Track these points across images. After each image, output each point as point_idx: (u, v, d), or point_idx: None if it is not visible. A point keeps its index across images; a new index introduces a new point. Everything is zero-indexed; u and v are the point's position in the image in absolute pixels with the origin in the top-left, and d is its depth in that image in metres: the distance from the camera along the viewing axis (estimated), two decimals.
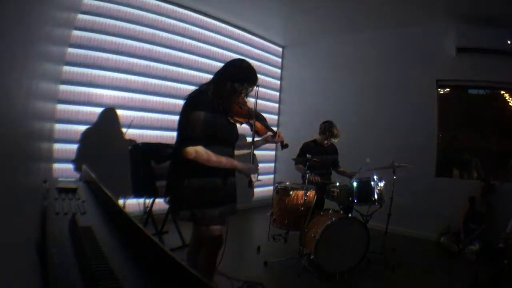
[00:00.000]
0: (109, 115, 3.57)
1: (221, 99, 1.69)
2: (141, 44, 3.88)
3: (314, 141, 3.47)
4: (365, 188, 2.88)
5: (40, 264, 0.80)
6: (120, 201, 3.35)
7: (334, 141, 3.40)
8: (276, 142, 2.02)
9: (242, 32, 5.14)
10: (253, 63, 1.83)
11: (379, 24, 4.47)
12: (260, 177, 1.97)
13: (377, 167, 3.04)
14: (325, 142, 3.38)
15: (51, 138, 2.81)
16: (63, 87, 3.23)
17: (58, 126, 3.21)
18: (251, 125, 1.85)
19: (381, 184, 2.93)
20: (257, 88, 1.79)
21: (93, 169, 1.77)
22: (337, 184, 3.00)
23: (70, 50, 3.29)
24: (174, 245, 2.98)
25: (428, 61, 4.26)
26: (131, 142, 3.63)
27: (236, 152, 1.88)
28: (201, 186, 1.66)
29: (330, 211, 2.89)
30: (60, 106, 3.21)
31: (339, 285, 2.58)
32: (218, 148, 1.68)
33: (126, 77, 3.77)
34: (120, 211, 1.03)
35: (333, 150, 3.51)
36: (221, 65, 1.83)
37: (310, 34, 5.21)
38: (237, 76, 1.72)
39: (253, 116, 1.83)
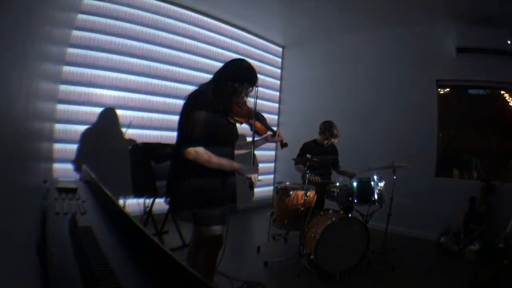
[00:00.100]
0: (109, 115, 3.57)
1: (221, 99, 1.69)
2: (141, 44, 3.88)
3: (314, 141, 3.47)
4: (365, 188, 2.88)
5: (40, 264, 0.80)
6: (120, 201, 3.35)
7: (334, 141, 3.40)
8: (275, 142, 2.03)
9: (242, 32, 5.14)
10: (253, 63, 1.83)
11: (379, 24, 4.47)
12: (260, 177, 1.96)
13: (377, 167, 3.04)
14: (325, 142, 3.39)
15: (51, 138, 2.81)
16: (63, 87, 3.23)
17: (58, 126, 3.20)
18: (251, 125, 1.85)
19: (381, 184, 2.93)
20: (256, 88, 1.79)
21: (93, 169, 1.77)
22: (337, 184, 3.00)
23: (70, 50, 3.29)
24: (174, 245, 2.98)
25: (428, 61, 4.26)
26: (131, 142, 3.63)
27: (236, 152, 1.88)
28: (201, 186, 1.66)
29: (330, 211, 2.89)
30: (60, 106, 3.21)
31: (339, 285, 2.58)
32: (218, 148, 1.68)
33: (126, 77, 3.76)
34: (120, 211, 1.03)
35: (333, 150, 3.51)
36: (221, 65, 1.83)
37: (310, 34, 5.21)
38: (237, 76, 1.72)
39: (253, 116, 1.83)
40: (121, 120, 3.67)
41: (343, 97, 4.94)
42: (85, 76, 3.43)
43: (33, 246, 0.84)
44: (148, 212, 3.08)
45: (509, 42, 3.69)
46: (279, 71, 5.91)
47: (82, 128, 3.39)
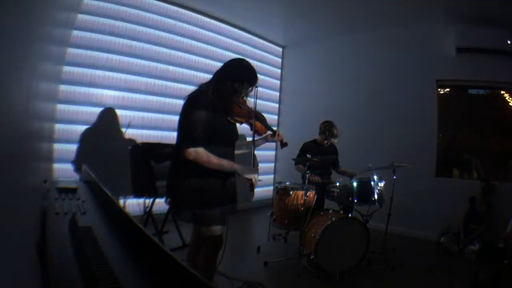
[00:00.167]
0: (109, 115, 3.57)
1: (221, 99, 1.69)
2: (141, 44, 3.88)
3: (314, 141, 3.47)
4: (365, 188, 2.88)
5: (40, 264, 0.80)
6: (120, 201, 3.35)
7: (334, 141, 3.40)
8: (275, 141, 2.03)
9: (242, 32, 5.14)
10: (253, 63, 1.82)
11: (379, 24, 4.47)
12: (260, 177, 1.96)
13: (377, 167, 3.04)
14: (325, 142, 3.39)
15: (51, 138, 2.81)
16: (63, 87, 3.23)
17: (58, 126, 3.20)
18: (251, 125, 1.85)
19: (381, 184, 2.93)
20: (256, 88, 1.79)
21: (93, 169, 1.77)
22: (337, 184, 3.00)
23: (70, 50, 3.29)
24: (174, 245, 2.98)
25: (428, 61, 4.26)
26: (131, 142, 3.63)
27: (236, 152, 1.88)
28: (202, 187, 1.65)
29: (330, 211, 2.89)
30: (60, 106, 3.21)
31: (339, 285, 2.58)
32: (218, 148, 1.68)
33: (126, 77, 3.77)
34: (120, 211, 1.03)
35: (333, 150, 3.51)
36: (221, 65, 1.82)
37: (310, 34, 5.21)
38: (237, 75, 1.72)
39: (253, 115, 1.83)
40: (121, 120, 3.67)
41: (343, 97, 4.94)
42: (85, 76, 3.43)
43: (33, 246, 0.84)
44: (148, 212, 3.09)
45: (509, 42, 3.69)
46: (279, 71, 5.91)
47: (82, 128, 3.39)
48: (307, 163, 2.91)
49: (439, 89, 4.33)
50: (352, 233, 2.72)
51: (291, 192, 2.91)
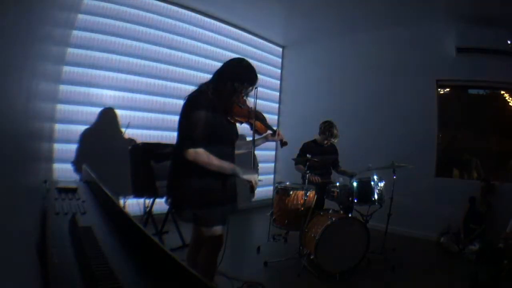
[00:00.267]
0: (109, 115, 3.57)
1: (221, 99, 1.69)
2: (141, 44, 3.88)
3: (314, 141, 3.47)
4: (365, 188, 2.88)
5: (40, 264, 0.80)
6: (120, 201, 3.35)
7: (334, 141, 3.40)
8: (275, 141, 2.03)
9: (242, 32, 5.14)
10: (253, 63, 1.82)
11: (379, 24, 4.47)
12: (260, 177, 1.96)
13: (377, 167, 3.04)
14: (325, 142, 3.39)
15: (51, 138, 2.81)
16: (63, 87, 3.23)
17: (58, 126, 3.20)
18: (251, 124, 1.85)
19: (381, 184, 2.93)
20: (256, 89, 1.79)
21: (93, 169, 1.77)
22: (337, 184, 3.00)
23: (70, 50, 3.29)
24: (174, 245, 2.98)
25: (428, 61, 4.26)
26: (131, 142, 3.63)
27: (236, 152, 1.88)
28: (202, 187, 1.65)
29: (330, 211, 2.89)
30: (60, 106, 3.21)
31: (339, 285, 2.58)
32: (218, 148, 1.68)
33: (126, 77, 3.77)
34: (120, 211, 1.03)
35: (333, 150, 3.51)
36: (221, 65, 1.82)
37: (310, 34, 5.21)
38: (237, 75, 1.71)
39: (253, 115, 1.83)
40: (120, 120, 3.67)
41: (343, 97, 4.94)
42: (85, 76, 3.43)
43: (33, 246, 0.84)
44: (148, 212, 3.09)
45: (509, 42, 3.69)
46: (279, 71, 5.91)
47: (82, 128, 3.39)
48: (307, 163, 2.91)
49: (439, 89, 4.32)
50: (352, 233, 2.72)
51: (291, 192, 2.91)
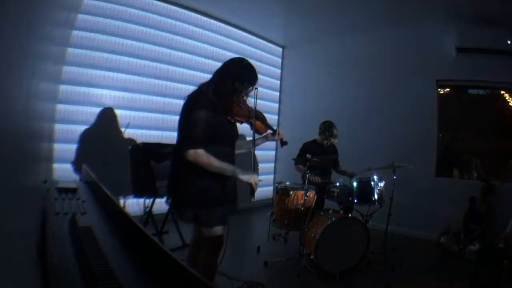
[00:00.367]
0: (108, 115, 3.57)
1: (221, 99, 1.68)
2: (141, 44, 3.88)
3: (314, 141, 3.47)
4: (365, 188, 2.88)
5: (40, 264, 0.80)
6: (120, 201, 3.35)
7: (334, 141, 3.40)
8: (275, 140, 2.02)
9: (242, 32, 5.14)
10: (253, 63, 1.82)
11: (379, 24, 4.47)
12: (260, 177, 1.96)
13: (377, 167, 3.04)
14: (325, 142, 3.38)
15: (51, 138, 2.81)
16: (63, 87, 3.23)
17: (58, 126, 3.20)
18: (251, 124, 1.85)
19: (381, 184, 2.93)
20: (256, 90, 1.79)
21: (93, 169, 1.77)
22: (337, 184, 3.00)
23: (70, 50, 3.29)
24: (174, 245, 2.98)
25: (428, 61, 4.26)
26: (131, 142, 3.63)
27: (236, 152, 1.87)
28: (202, 187, 1.65)
29: (330, 211, 2.89)
30: (60, 106, 3.21)
31: (339, 285, 2.58)
32: (219, 148, 1.68)
33: (126, 77, 3.76)
34: (120, 211, 1.03)
35: (333, 150, 3.51)
36: (220, 65, 1.81)
37: (310, 34, 5.21)
38: (237, 75, 1.71)
39: (253, 115, 1.83)
40: (120, 120, 3.67)
41: (343, 97, 4.94)
42: (85, 76, 3.43)
43: (33, 246, 0.84)
44: (148, 212, 3.09)
45: (509, 42, 3.69)
46: (279, 71, 5.91)
47: (82, 128, 3.39)
48: (307, 163, 2.91)
49: (439, 89, 4.32)
50: (352, 233, 2.72)
51: (291, 192, 2.91)
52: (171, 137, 3.68)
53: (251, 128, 1.87)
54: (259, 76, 1.78)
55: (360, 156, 4.14)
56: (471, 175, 4.27)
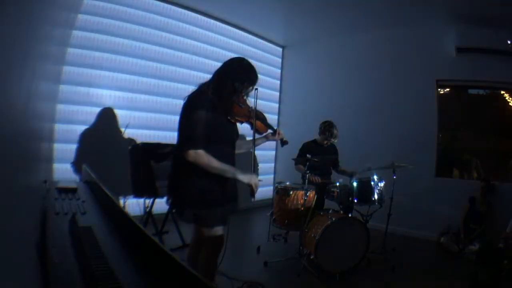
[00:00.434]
0: (108, 115, 3.57)
1: (221, 99, 1.68)
2: (141, 44, 3.88)
3: (314, 141, 3.47)
4: (365, 188, 2.88)
5: (40, 264, 0.80)
6: (120, 201, 3.35)
7: (334, 141, 3.40)
8: (276, 140, 2.02)
9: (242, 32, 5.13)
10: (253, 63, 1.82)
11: (379, 24, 4.47)
12: (260, 177, 1.96)
13: (377, 167, 3.04)
14: (325, 142, 3.38)
15: (51, 138, 2.81)
16: (63, 87, 3.23)
17: (58, 126, 3.20)
18: (251, 124, 1.85)
19: (381, 184, 2.93)
20: (256, 90, 1.79)
21: (93, 169, 1.77)
22: (337, 184, 3.00)
23: (70, 50, 3.29)
24: (174, 245, 2.98)
25: (428, 61, 4.26)
26: (131, 142, 3.62)
27: (236, 152, 1.87)
28: (202, 187, 1.65)
29: (330, 211, 2.89)
30: (60, 106, 3.21)
31: (339, 285, 2.58)
32: (219, 148, 1.68)
33: (126, 77, 3.76)
34: (120, 211, 1.03)
35: (333, 150, 3.51)
36: (220, 65, 1.81)
37: (310, 34, 5.21)
38: (237, 75, 1.71)
39: (253, 115, 1.83)
40: (120, 120, 3.67)
41: (343, 97, 4.94)
42: (85, 76, 3.43)
43: (33, 246, 0.84)
44: (148, 212, 3.08)
45: (509, 42, 3.69)
46: (279, 71, 5.91)
47: (82, 128, 3.38)
48: (307, 163, 2.91)
49: (439, 89, 4.32)
50: (352, 233, 2.72)
51: (291, 192, 2.91)
52: (171, 137, 3.68)
53: (251, 128, 1.87)
54: (259, 76, 1.78)
55: (360, 156, 4.13)
56: (471, 175, 4.27)
